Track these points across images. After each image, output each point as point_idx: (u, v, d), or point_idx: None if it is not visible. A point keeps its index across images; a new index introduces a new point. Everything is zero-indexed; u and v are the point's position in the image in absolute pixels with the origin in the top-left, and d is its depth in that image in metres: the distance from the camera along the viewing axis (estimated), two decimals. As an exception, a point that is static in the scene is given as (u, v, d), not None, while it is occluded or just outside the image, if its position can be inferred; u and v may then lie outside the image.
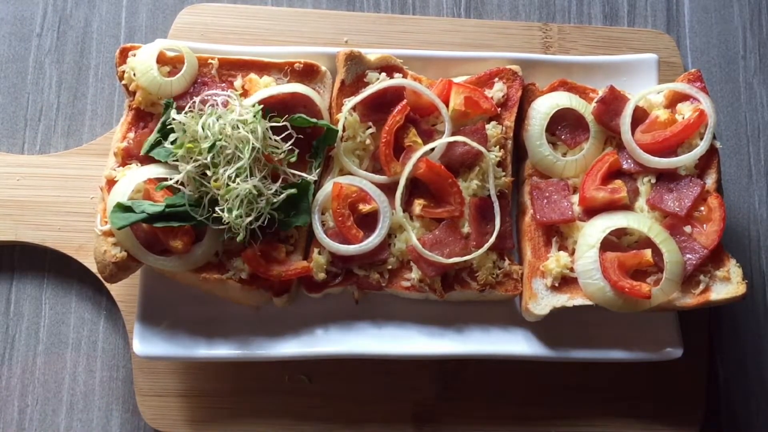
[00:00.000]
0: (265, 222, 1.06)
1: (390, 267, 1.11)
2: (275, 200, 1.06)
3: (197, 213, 1.04)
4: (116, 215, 1.05)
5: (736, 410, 1.23)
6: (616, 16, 1.36)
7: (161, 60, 1.13)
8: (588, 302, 1.07)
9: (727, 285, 1.07)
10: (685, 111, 1.12)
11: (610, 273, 1.05)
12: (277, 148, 1.08)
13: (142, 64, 1.11)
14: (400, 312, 1.14)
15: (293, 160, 1.08)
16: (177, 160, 1.05)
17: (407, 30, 1.28)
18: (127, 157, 1.12)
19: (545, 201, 1.12)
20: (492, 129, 1.14)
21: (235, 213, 1.03)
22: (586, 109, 1.13)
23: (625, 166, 1.13)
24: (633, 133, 1.12)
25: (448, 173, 1.11)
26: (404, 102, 1.12)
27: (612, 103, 1.13)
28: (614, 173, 1.13)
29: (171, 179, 1.05)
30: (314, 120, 1.11)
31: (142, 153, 1.08)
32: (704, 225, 1.10)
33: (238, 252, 1.08)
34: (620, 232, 1.09)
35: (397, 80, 1.13)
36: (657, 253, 1.07)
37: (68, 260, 1.18)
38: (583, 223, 1.10)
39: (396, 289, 1.11)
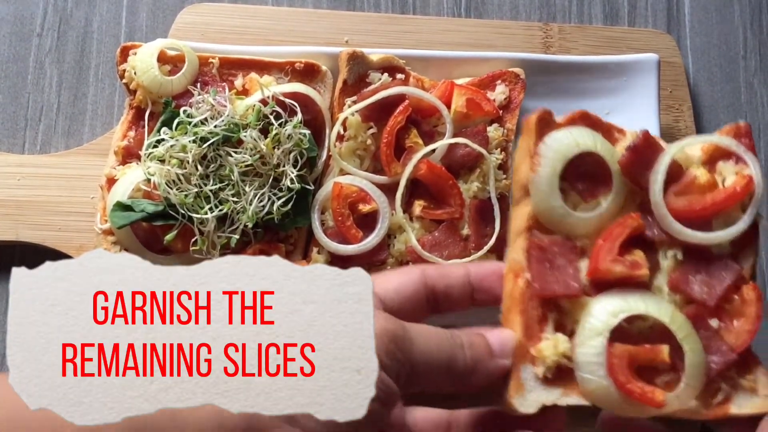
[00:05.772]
0: (262, 218, 1.07)
1: (389, 267, 1.11)
2: (277, 203, 1.06)
3: (200, 211, 1.04)
4: (116, 214, 1.05)
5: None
6: (616, 16, 1.36)
7: (162, 59, 1.13)
8: (584, 402, 0.84)
9: (753, 398, 0.86)
10: (727, 173, 0.88)
11: (618, 371, 0.82)
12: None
13: (143, 62, 1.10)
14: (400, 312, 1.14)
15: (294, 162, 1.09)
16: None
17: (407, 30, 1.28)
18: (127, 156, 1.11)
19: (547, 265, 0.85)
20: (493, 131, 1.14)
21: (246, 217, 1.04)
22: (612, 155, 0.86)
23: (648, 234, 0.87)
24: (665, 195, 0.87)
25: (448, 175, 1.10)
26: (406, 103, 1.11)
27: (644, 151, 0.88)
28: (633, 239, 0.88)
29: (152, 179, 1.05)
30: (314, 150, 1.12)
31: (142, 152, 1.08)
32: (734, 320, 0.87)
33: (238, 251, 1.08)
34: (633, 316, 0.86)
35: (398, 88, 1.12)
36: (674, 347, 0.85)
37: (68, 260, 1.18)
38: (590, 299, 0.85)
39: (396, 289, 1.10)
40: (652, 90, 1.20)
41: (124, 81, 1.13)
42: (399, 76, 1.16)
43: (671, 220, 0.86)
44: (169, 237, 1.05)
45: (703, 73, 1.34)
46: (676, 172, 0.88)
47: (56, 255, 1.18)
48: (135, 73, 1.10)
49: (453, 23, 1.30)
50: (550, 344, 0.82)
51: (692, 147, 0.89)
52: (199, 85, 1.12)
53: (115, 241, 1.08)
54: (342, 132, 1.13)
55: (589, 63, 1.22)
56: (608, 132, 0.90)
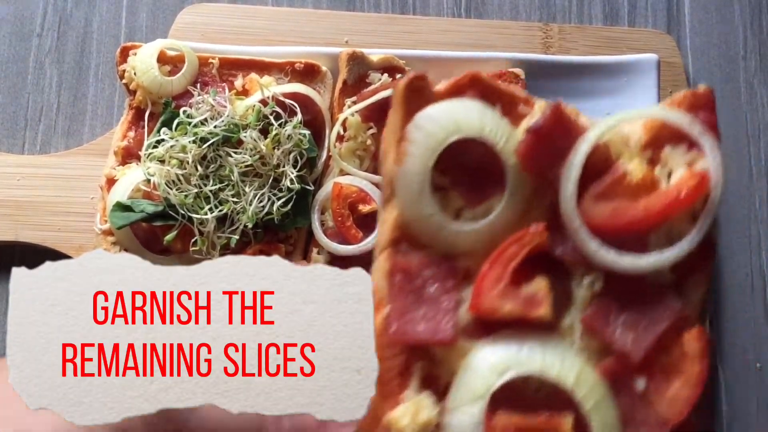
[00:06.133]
0: (262, 219, 1.07)
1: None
2: (277, 203, 1.06)
3: (199, 212, 1.04)
4: (116, 214, 1.05)
5: (736, 411, 1.23)
6: (616, 16, 1.36)
7: (162, 59, 1.13)
8: None
9: None
10: (675, 163, 0.59)
11: None
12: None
13: (143, 63, 1.10)
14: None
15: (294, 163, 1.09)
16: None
17: (407, 30, 1.28)
18: (127, 156, 1.12)
19: (413, 297, 0.59)
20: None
21: (246, 216, 1.04)
22: (508, 139, 0.58)
23: (557, 252, 0.59)
24: (581, 198, 0.58)
25: (448, 174, 1.10)
26: (405, 103, 1.11)
27: (553, 135, 0.59)
28: (538, 259, 0.60)
29: (153, 179, 1.05)
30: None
31: (142, 152, 1.08)
32: (670, 380, 0.59)
33: (238, 252, 1.08)
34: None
35: None
36: (581, 419, 0.58)
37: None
38: (472, 343, 0.58)
39: (396, 289, 1.08)
40: (652, 90, 1.20)
41: (123, 81, 1.13)
42: (399, 76, 1.15)
43: (586, 236, 0.57)
44: (168, 237, 1.05)
45: (703, 74, 1.33)
46: (601, 162, 0.59)
47: (56, 255, 1.18)
48: (135, 74, 1.10)
49: (453, 23, 1.30)
50: (409, 410, 0.58)
51: (631, 124, 0.60)
52: (198, 85, 1.12)
53: (114, 242, 1.08)
54: (342, 132, 1.13)
55: (588, 63, 1.22)
56: (510, 104, 0.61)
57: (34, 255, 1.20)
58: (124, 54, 1.13)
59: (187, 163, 1.04)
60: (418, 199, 0.58)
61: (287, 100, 1.10)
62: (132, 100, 1.12)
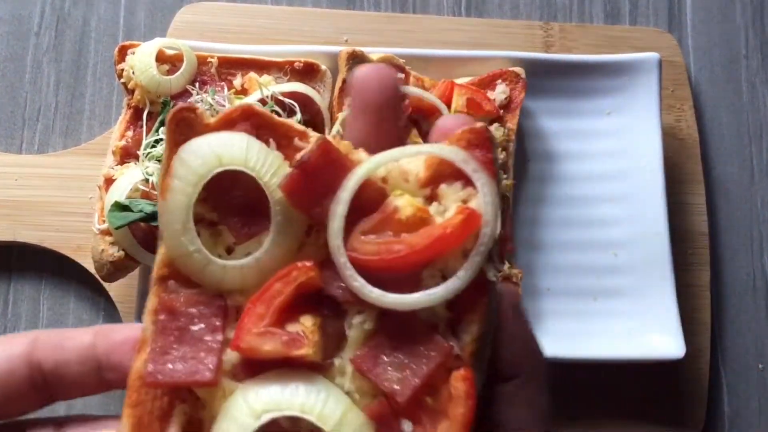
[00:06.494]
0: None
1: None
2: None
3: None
4: (114, 214, 1.04)
5: (738, 412, 1.22)
6: (617, 14, 1.35)
7: (160, 58, 1.12)
8: None
9: None
10: (450, 201, 0.55)
11: None
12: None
13: (141, 62, 1.10)
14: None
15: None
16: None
17: (407, 29, 1.28)
18: (125, 156, 1.11)
19: (176, 336, 0.54)
20: (494, 131, 1.13)
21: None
22: (275, 173, 0.55)
23: (331, 290, 0.55)
24: (351, 234, 0.54)
25: (449, 174, 1.09)
26: (406, 102, 1.11)
27: (321, 170, 0.55)
28: (313, 297, 0.55)
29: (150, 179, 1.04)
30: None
31: (140, 152, 1.08)
32: (436, 423, 0.54)
33: (238, 252, 1.07)
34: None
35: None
36: None
37: (66, 261, 1.17)
38: (236, 385, 0.54)
39: (396, 289, 1.08)
40: (653, 89, 1.19)
41: (122, 80, 1.12)
42: (399, 75, 1.15)
43: (350, 273, 0.54)
44: (167, 237, 1.04)
45: (705, 73, 1.33)
46: (378, 200, 0.57)
47: (54, 255, 1.18)
48: (133, 73, 1.10)
49: (453, 22, 1.29)
50: None
51: (412, 161, 0.57)
52: (197, 84, 1.11)
53: (113, 242, 1.07)
54: (341, 131, 1.12)
55: (590, 62, 1.21)
56: (285, 138, 0.58)
57: (32, 255, 1.20)
58: (123, 53, 1.12)
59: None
60: (182, 236, 0.54)
61: (286, 100, 1.09)
62: (130, 100, 1.12)
